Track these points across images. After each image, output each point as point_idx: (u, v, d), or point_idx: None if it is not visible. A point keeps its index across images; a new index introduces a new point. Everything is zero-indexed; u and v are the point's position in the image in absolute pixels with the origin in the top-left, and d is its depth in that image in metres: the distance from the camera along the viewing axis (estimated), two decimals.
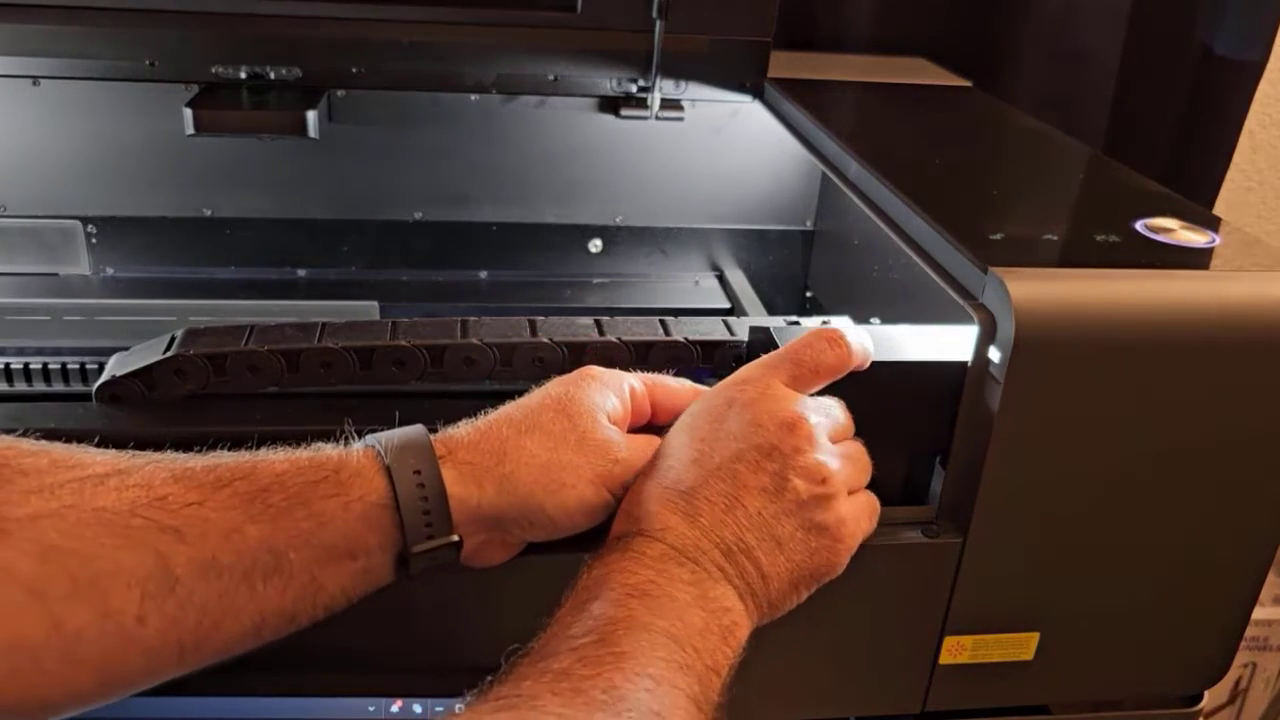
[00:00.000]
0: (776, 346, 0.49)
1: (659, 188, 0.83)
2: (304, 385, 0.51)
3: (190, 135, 0.69)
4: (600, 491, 0.43)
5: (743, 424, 0.43)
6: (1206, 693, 0.58)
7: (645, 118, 0.78)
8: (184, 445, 0.41)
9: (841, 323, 0.55)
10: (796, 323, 0.54)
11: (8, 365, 0.53)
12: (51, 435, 0.39)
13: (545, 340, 0.52)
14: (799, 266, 0.87)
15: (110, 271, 0.79)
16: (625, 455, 0.44)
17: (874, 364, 0.47)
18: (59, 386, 0.53)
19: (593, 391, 0.45)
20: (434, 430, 0.43)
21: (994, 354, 0.46)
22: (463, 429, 0.43)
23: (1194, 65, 1.04)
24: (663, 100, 0.77)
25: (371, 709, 0.46)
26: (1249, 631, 0.80)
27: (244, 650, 0.39)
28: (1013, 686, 0.54)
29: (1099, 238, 0.52)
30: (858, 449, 0.46)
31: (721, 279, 0.86)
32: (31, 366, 0.53)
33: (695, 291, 0.85)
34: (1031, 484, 0.49)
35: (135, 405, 0.50)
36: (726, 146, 0.82)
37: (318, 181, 0.80)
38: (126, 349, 0.52)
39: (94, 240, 0.78)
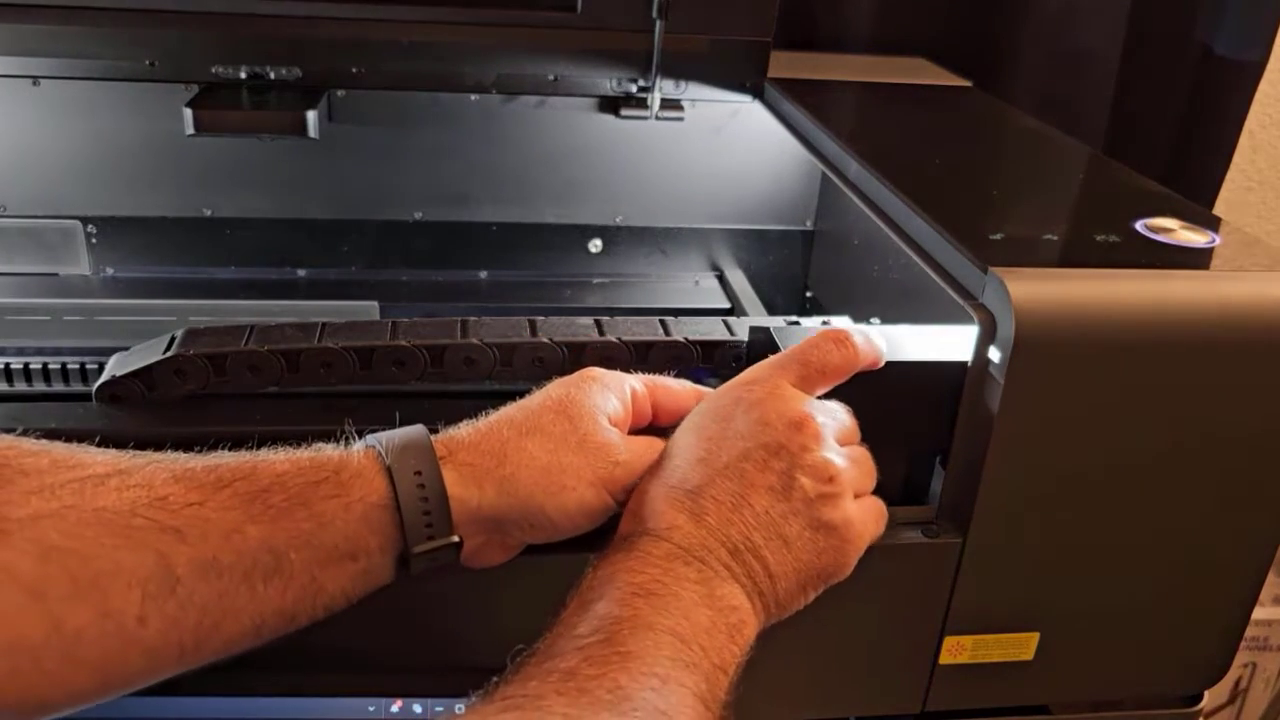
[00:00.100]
0: (777, 346, 0.49)
1: (659, 188, 0.83)
2: (304, 385, 0.51)
3: (190, 135, 0.69)
4: (600, 494, 0.43)
5: (750, 423, 0.43)
6: (1206, 693, 0.58)
7: (645, 118, 0.78)
8: (184, 445, 0.41)
9: (842, 323, 0.56)
10: (796, 323, 0.54)
11: (8, 365, 0.53)
12: (51, 435, 0.39)
13: (545, 340, 0.52)
14: (799, 266, 0.87)
15: (110, 271, 0.79)
16: (625, 457, 0.44)
17: None
18: (59, 386, 0.53)
19: (594, 393, 0.45)
20: (434, 431, 0.43)
21: (994, 354, 0.46)
22: (463, 430, 0.43)
23: (1194, 65, 1.04)
24: (663, 100, 0.77)
25: (371, 709, 0.46)
26: (1249, 631, 0.80)
27: (243, 650, 0.39)
28: (1013, 686, 0.54)
29: (1099, 238, 0.52)
30: (863, 454, 0.46)
31: (721, 279, 0.86)
32: (31, 366, 0.53)
33: (695, 291, 0.85)
34: (1031, 484, 0.49)
35: (135, 405, 0.50)
36: (726, 146, 0.82)
37: (318, 181, 0.80)
38: (126, 349, 0.52)
39: (94, 240, 0.78)
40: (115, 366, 0.50)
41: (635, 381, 0.47)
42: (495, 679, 0.36)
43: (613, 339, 0.53)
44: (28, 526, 0.34)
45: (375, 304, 0.69)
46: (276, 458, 0.40)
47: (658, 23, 0.73)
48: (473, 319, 0.53)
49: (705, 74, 0.77)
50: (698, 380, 0.51)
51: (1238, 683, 1.24)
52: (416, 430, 0.42)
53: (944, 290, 0.49)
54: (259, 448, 0.41)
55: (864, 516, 0.44)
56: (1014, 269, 0.46)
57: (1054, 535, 0.50)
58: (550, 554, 0.45)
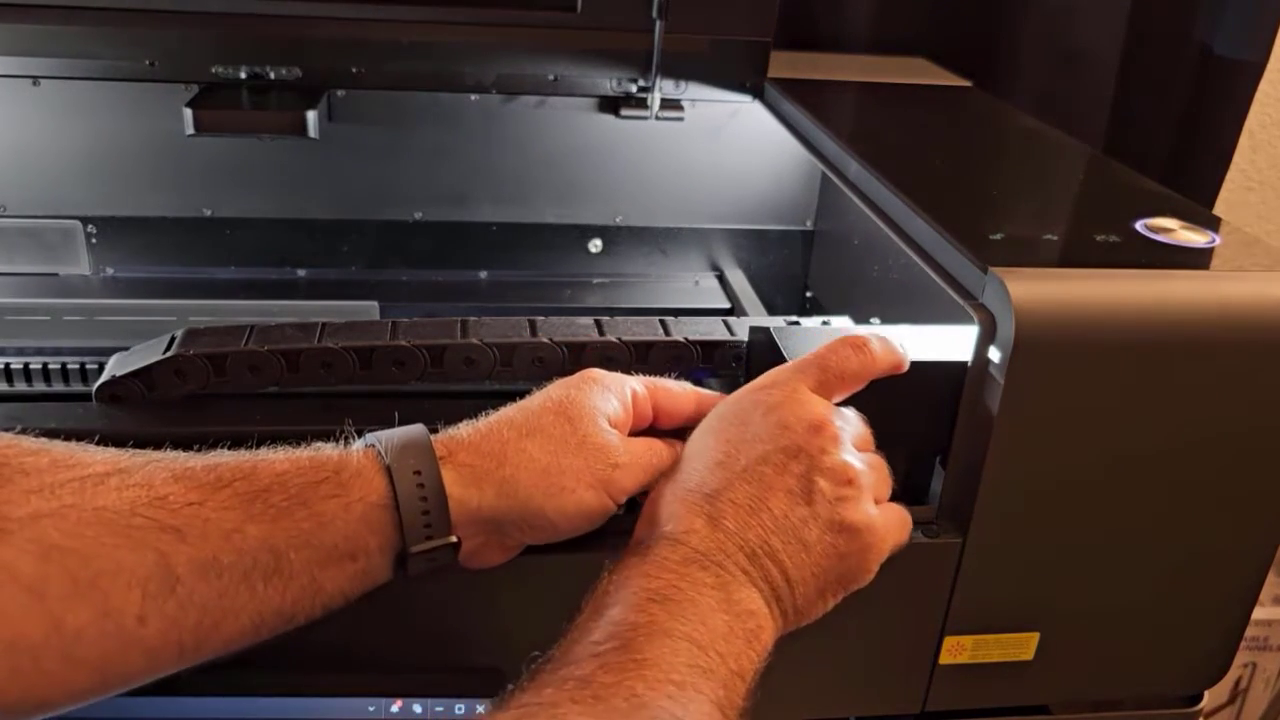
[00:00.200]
0: (777, 346, 0.49)
1: (659, 188, 0.83)
2: (304, 385, 0.51)
3: (190, 135, 0.69)
4: (600, 495, 0.43)
5: (768, 426, 0.43)
6: (1206, 693, 0.58)
7: (645, 118, 0.78)
8: (184, 445, 0.41)
9: (843, 323, 0.56)
10: (796, 323, 0.54)
11: (8, 365, 0.53)
12: (51, 435, 0.39)
13: (545, 340, 0.52)
14: (799, 266, 0.87)
15: (110, 271, 0.79)
16: (625, 459, 0.44)
17: None
18: (59, 386, 0.53)
19: (594, 395, 0.45)
20: (434, 430, 0.43)
21: (994, 354, 0.46)
22: (463, 430, 0.43)
23: (1194, 65, 1.04)
24: (663, 100, 0.77)
25: (371, 709, 0.46)
26: (1249, 631, 0.80)
27: (241, 648, 0.39)
28: (1013, 686, 0.54)
29: (1099, 238, 0.52)
30: (879, 460, 0.46)
31: (721, 279, 0.86)
32: (31, 366, 0.53)
33: (695, 291, 0.85)
34: (1031, 484, 0.49)
35: (135, 405, 0.50)
36: (726, 146, 0.82)
37: (318, 181, 0.80)
38: (126, 349, 0.52)
39: (94, 240, 0.78)
40: (115, 366, 0.50)
41: (635, 383, 0.47)
42: (510, 686, 0.36)
43: (613, 339, 0.53)
44: (28, 526, 0.34)
45: (375, 304, 0.69)
46: (276, 457, 0.40)
47: (658, 23, 0.73)
48: (473, 319, 0.53)
49: (705, 74, 0.77)
50: (698, 380, 0.51)
51: (1238, 683, 1.24)
52: (416, 430, 0.42)
53: (944, 290, 0.49)
54: (258, 447, 0.41)
55: (886, 521, 0.44)
56: (1014, 269, 0.46)
57: (1054, 535, 0.50)
58: (550, 554, 0.45)
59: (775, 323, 0.53)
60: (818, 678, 0.53)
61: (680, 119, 0.78)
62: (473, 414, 0.44)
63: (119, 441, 0.40)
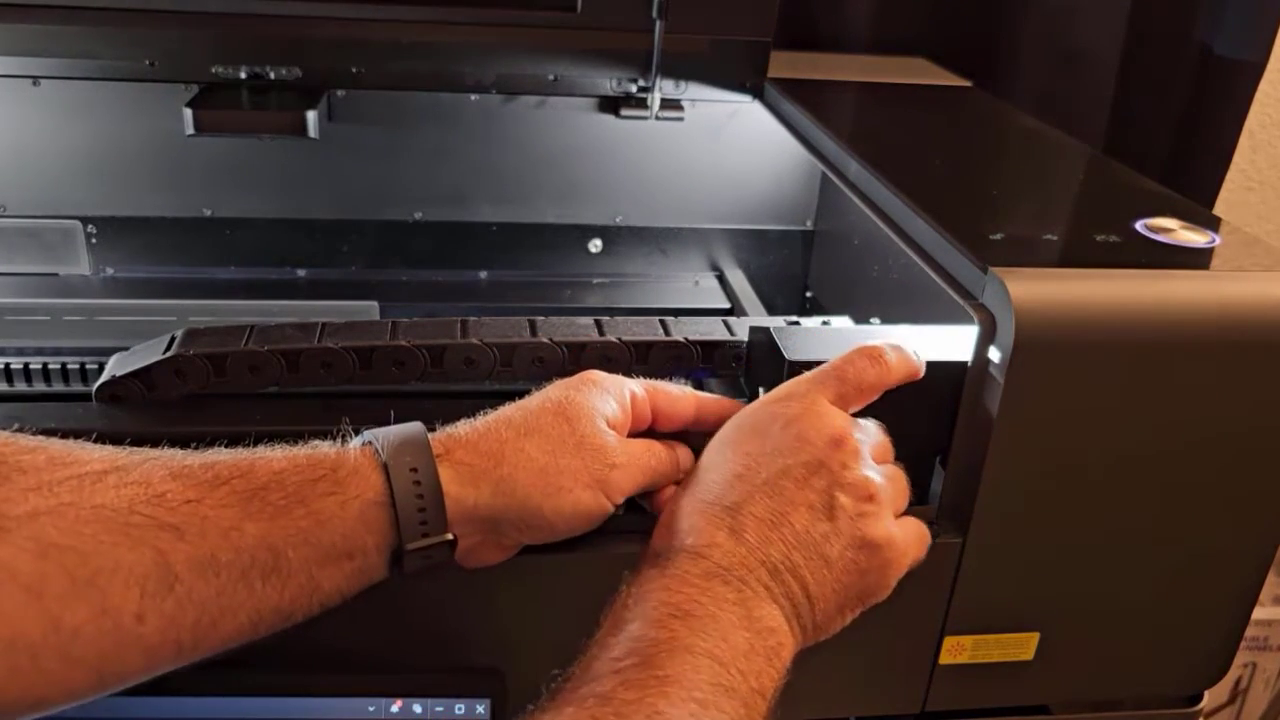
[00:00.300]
0: (777, 346, 0.49)
1: (659, 188, 0.83)
2: (304, 385, 0.51)
3: (190, 135, 0.69)
4: (597, 496, 0.43)
5: (788, 439, 0.43)
6: (1206, 693, 0.58)
7: (645, 118, 0.78)
8: (184, 446, 0.41)
9: (843, 323, 0.56)
10: (796, 323, 0.54)
11: (8, 365, 0.53)
12: (50, 435, 0.39)
13: (545, 340, 0.52)
14: (799, 266, 0.87)
15: (110, 271, 0.79)
16: (623, 460, 0.44)
17: None
18: (59, 386, 0.53)
19: (593, 396, 0.45)
20: (433, 429, 0.43)
21: (994, 354, 0.46)
22: (461, 429, 0.43)
23: (1194, 65, 1.04)
24: (663, 100, 0.77)
25: (371, 709, 0.46)
26: (1249, 631, 0.80)
27: (239, 646, 0.39)
28: (1013, 686, 0.54)
29: (1099, 238, 0.52)
30: (898, 472, 0.46)
31: (721, 279, 0.86)
32: (31, 366, 0.53)
33: (695, 291, 0.85)
34: (1031, 484, 0.49)
35: (135, 405, 0.50)
36: (726, 146, 0.82)
37: (318, 181, 0.80)
38: (126, 349, 0.52)
39: (94, 240, 0.78)
40: (115, 366, 0.50)
41: (635, 385, 0.47)
42: (531, 707, 0.36)
43: (613, 339, 0.53)
44: (26, 524, 0.34)
45: (375, 304, 0.69)
46: (274, 455, 0.40)
47: (658, 23, 0.73)
48: (473, 319, 0.53)
49: (705, 74, 0.77)
50: (698, 381, 0.51)
51: (1238, 683, 1.24)
52: (414, 427, 0.42)
53: (944, 290, 0.49)
54: (255, 445, 0.41)
55: (905, 536, 0.44)
56: (1014, 269, 0.46)
57: (1054, 535, 0.50)
58: (549, 554, 0.45)
59: (775, 323, 0.53)
60: (818, 678, 0.52)
61: (680, 119, 0.78)
62: (472, 414, 0.44)
63: (118, 441, 0.40)
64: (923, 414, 0.49)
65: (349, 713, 0.46)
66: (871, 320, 0.58)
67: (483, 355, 0.52)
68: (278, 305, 0.75)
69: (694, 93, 0.78)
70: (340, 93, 0.76)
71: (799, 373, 0.47)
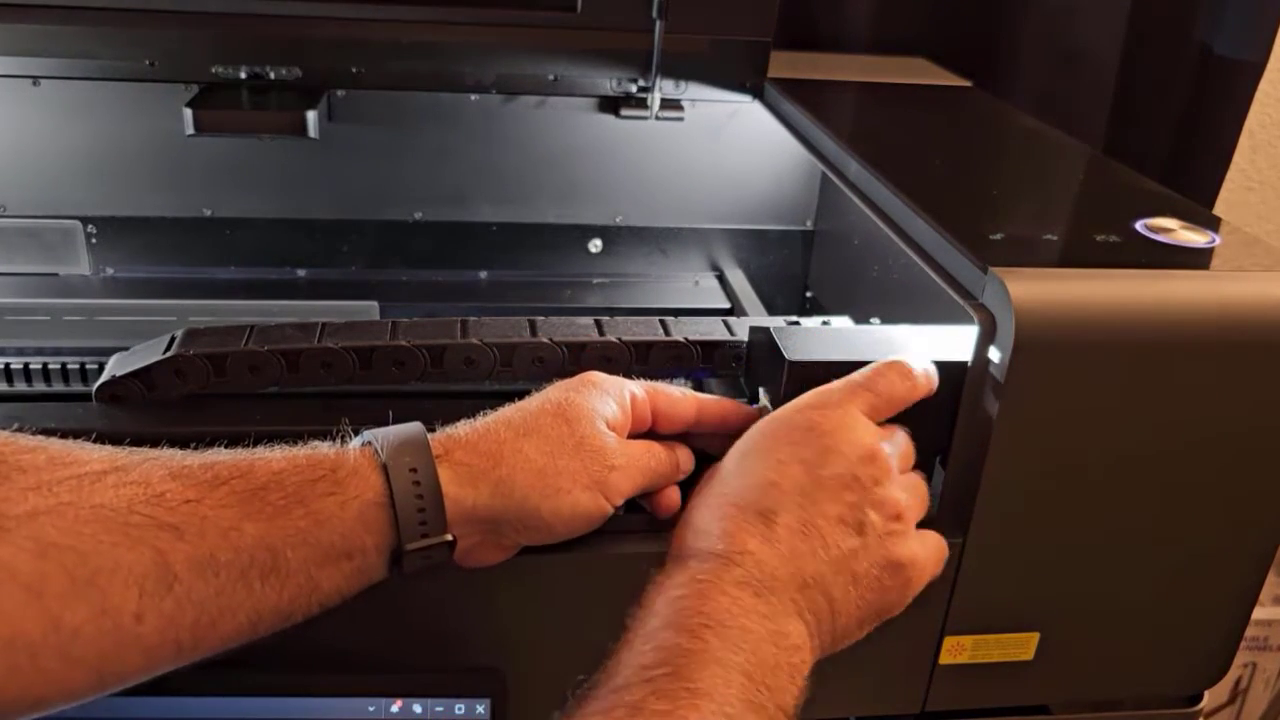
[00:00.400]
0: (777, 347, 0.49)
1: (659, 188, 0.83)
2: (304, 385, 0.51)
3: (190, 135, 0.69)
4: (596, 497, 0.43)
5: (822, 450, 0.42)
6: (1206, 693, 0.58)
7: (645, 118, 0.78)
8: (184, 446, 0.41)
9: (843, 323, 0.56)
10: (796, 322, 0.54)
11: (8, 365, 0.53)
12: (50, 435, 0.39)
13: (545, 340, 0.52)
14: (799, 266, 0.87)
15: (110, 271, 0.79)
16: (622, 461, 0.44)
17: None
18: (59, 386, 0.54)
19: (592, 397, 0.45)
20: (432, 430, 0.43)
21: (994, 354, 0.46)
22: (461, 429, 0.43)
23: (1194, 65, 1.04)
24: (663, 100, 0.77)
25: (371, 709, 0.46)
26: (1249, 631, 0.80)
27: (238, 646, 0.39)
28: (1013, 686, 0.54)
29: (1099, 238, 0.52)
30: (918, 481, 0.46)
31: (721, 279, 0.86)
32: (31, 366, 0.53)
33: (695, 291, 0.85)
34: (1031, 484, 0.49)
35: (135, 405, 0.50)
36: (726, 146, 0.82)
37: (318, 181, 0.80)
38: (126, 349, 0.52)
39: (94, 240, 0.78)
40: (115, 366, 0.50)
41: (635, 387, 0.47)
42: (557, 714, 0.36)
43: (613, 339, 0.53)
44: (25, 523, 0.34)
45: (375, 304, 0.69)
46: (273, 455, 0.40)
47: (657, 23, 0.73)
48: (473, 319, 0.53)
49: (705, 74, 0.77)
50: (698, 381, 0.51)
51: (1238, 683, 1.24)
52: (413, 428, 0.42)
53: (944, 290, 0.49)
54: (255, 445, 0.41)
55: (926, 553, 0.44)
56: (1014, 269, 0.46)
57: (1054, 535, 0.50)
58: (548, 554, 0.45)
59: (775, 323, 0.53)
60: (818, 678, 0.52)
61: (680, 119, 0.78)
62: (472, 414, 0.44)
63: (118, 441, 0.40)
64: (923, 414, 0.49)
65: (349, 713, 0.46)
66: (871, 320, 0.58)
67: (483, 355, 0.52)
68: (278, 305, 0.75)
69: (694, 93, 0.78)
70: (340, 93, 0.76)
71: (799, 373, 0.47)
